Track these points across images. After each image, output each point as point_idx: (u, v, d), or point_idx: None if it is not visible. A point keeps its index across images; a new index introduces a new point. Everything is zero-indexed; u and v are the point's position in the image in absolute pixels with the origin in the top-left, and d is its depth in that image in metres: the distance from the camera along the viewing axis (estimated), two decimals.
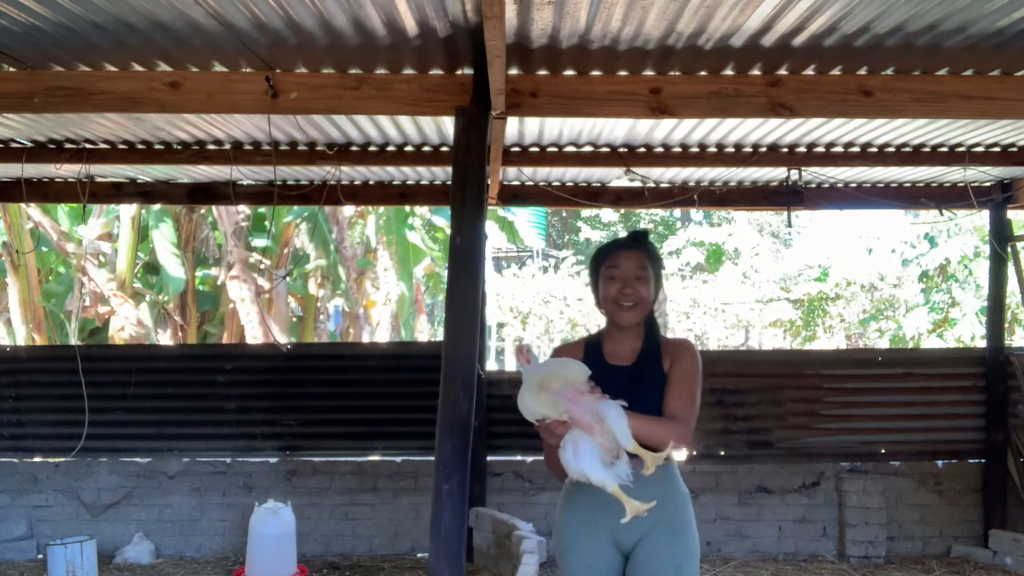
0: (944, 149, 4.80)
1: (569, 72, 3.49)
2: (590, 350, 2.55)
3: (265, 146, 4.71)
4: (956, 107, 3.54)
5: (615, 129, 4.41)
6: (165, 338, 10.27)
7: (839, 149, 4.83)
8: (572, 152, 4.89)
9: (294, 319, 11.79)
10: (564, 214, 22.68)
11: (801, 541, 6.03)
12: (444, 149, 4.79)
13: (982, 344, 7.80)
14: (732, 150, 4.86)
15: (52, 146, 4.78)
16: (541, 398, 2.11)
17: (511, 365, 17.18)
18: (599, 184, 5.84)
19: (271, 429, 6.23)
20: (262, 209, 10.52)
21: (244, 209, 9.59)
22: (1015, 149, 4.81)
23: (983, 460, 6.13)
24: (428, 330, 13.78)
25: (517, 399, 2.17)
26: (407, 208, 11.33)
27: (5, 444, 6.25)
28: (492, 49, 2.72)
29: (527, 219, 12.67)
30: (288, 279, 10.90)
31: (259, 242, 10.72)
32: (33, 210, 9.12)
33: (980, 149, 4.81)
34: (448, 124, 4.13)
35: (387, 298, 12.22)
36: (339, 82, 3.50)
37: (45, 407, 6.28)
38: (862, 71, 3.48)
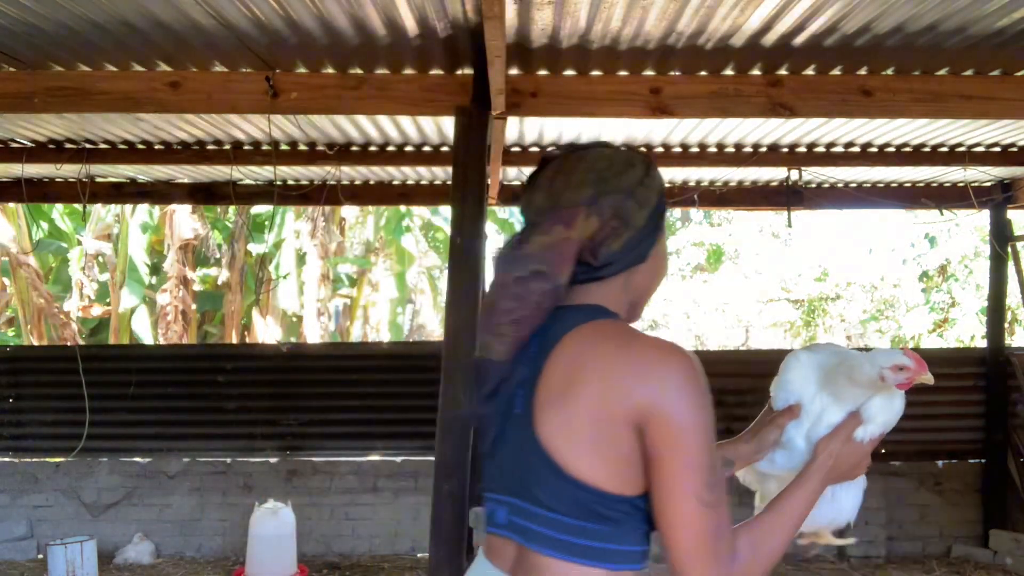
0: (944, 149, 4.79)
1: (569, 72, 3.49)
2: None
3: (265, 146, 4.71)
4: (956, 107, 3.54)
5: (615, 129, 4.41)
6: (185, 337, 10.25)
7: (839, 149, 4.83)
8: None
9: (294, 319, 11.78)
10: None
11: None
12: (444, 149, 4.79)
13: (982, 344, 7.80)
14: (732, 150, 4.86)
15: (52, 146, 4.78)
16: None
17: None
18: None
19: (271, 429, 6.23)
20: (256, 209, 10.52)
21: (196, 227, 9.55)
22: (1015, 149, 4.81)
23: (983, 460, 6.12)
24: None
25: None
26: (403, 209, 11.32)
27: (5, 444, 6.24)
28: (492, 49, 2.72)
29: None
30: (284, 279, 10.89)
31: (258, 247, 10.71)
32: None
33: (980, 149, 4.81)
34: (448, 124, 4.13)
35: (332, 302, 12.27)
36: (339, 82, 3.50)
37: (45, 407, 6.28)
38: (862, 71, 3.48)
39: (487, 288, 1.15)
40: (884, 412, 1.24)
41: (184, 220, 9.50)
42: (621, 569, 1.07)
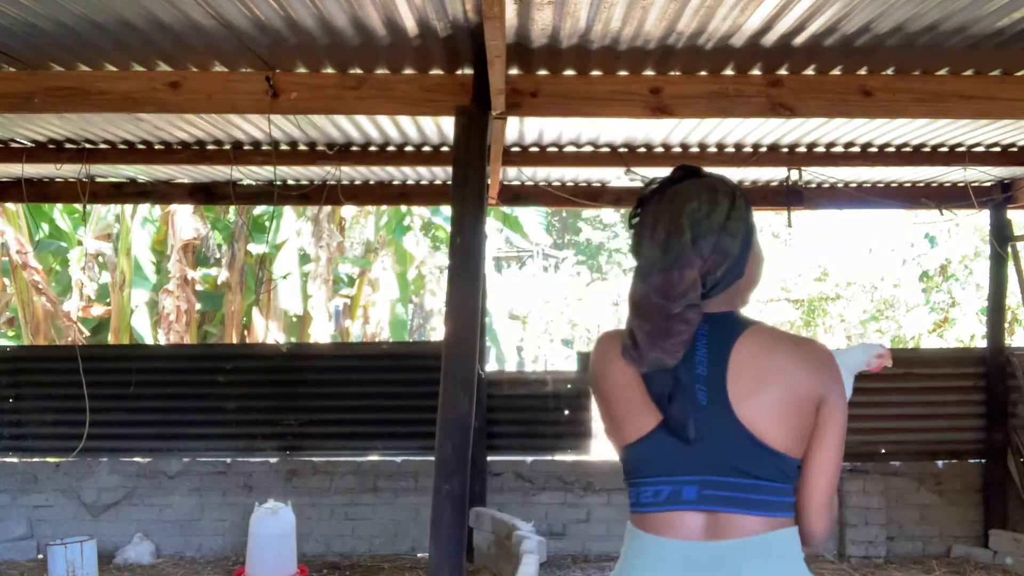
0: (944, 149, 4.79)
1: (569, 72, 3.49)
2: None
3: (265, 146, 4.71)
4: (956, 107, 3.54)
5: (615, 129, 4.41)
6: (187, 337, 10.23)
7: (839, 149, 4.83)
8: (572, 152, 4.89)
9: (294, 319, 11.77)
10: (564, 214, 22.70)
11: None
12: (444, 149, 4.79)
13: (982, 344, 7.80)
14: (732, 150, 4.86)
15: (52, 146, 4.78)
16: None
17: (511, 365, 17.20)
18: (599, 184, 5.84)
19: (271, 429, 6.23)
20: (258, 210, 10.51)
21: (199, 227, 9.53)
22: (1015, 149, 4.81)
23: (983, 460, 6.12)
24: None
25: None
26: (403, 209, 11.31)
27: (5, 444, 6.24)
28: (492, 49, 2.72)
29: (532, 219, 12.64)
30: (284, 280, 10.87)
31: (258, 247, 10.69)
32: None
33: (980, 149, 4.81)
34: (448, 124, 4.13)
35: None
36: (339, 82, 3.50)
37: (45, 407, 6.28)
38: (862, 71, 3.48)
39: (639, 318, 1.42)
40: (850, 384, 1.75)
41: (185, 220, 9.49)
42: (791, 516, 1.40)
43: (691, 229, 1.42)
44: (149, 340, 10.14)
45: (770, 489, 1.38)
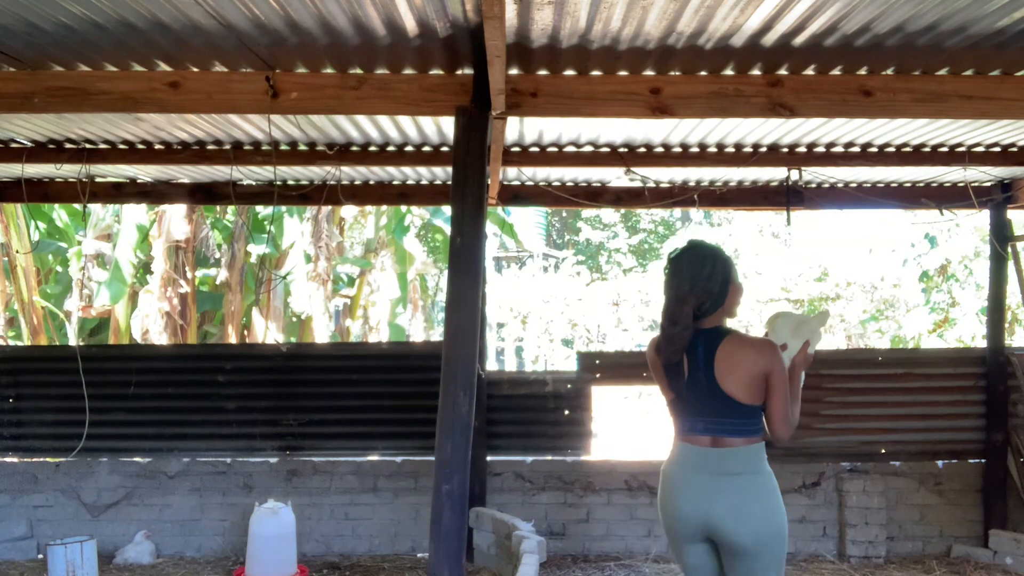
0: (944, 149, 4.79)
1: (569, 72, 3.49)
2: None
3: (265, 146, 4.72)
4: (956, 107, 3.55)
5: (615, 129, 4.41)
6: (165, 338, 10.23)
7: (839, 149, 4.83)
8: (572, 152, 4.89)
9: (294, 319, 11.77)
10: (564, 214, 22.70)
11: (801, 541, 6.03)
12: (444, 149, 4.79)
13: (982, 344, 7.80)
14: (732, 150, 4.86)
15: (52, 146, 4.78)
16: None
17: (511, 365, 17.20)
18: (599, 184, 5.84)
19: (271, 429, 6.22)
20: (263, 212, 10.51)
21: (192, 228, 9.50)
22: (1015, 149, 4.81)
23: (983, 460, 6.12)
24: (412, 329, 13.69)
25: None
26: (403, 209, 11.31)
27: (5, 444, 6.24)
28: (492, 49, 2.72)
29: (531, 220, 12.62)
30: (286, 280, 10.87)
31: (258, 248, 10.68)
32: None
33: (980, 149, 4.81)
34: (448, 124, 4.13)
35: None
36: (339, 82, 3.50)
37: (45, 407, 6.27)
38: (862, 71, 3.48)
39: (660, 332, 2.76)
40: (817, 343, 2.76)
41: (177, 222, 9.45)
42: (760, 435, 2.67)
43: (690, 281, 2.67)
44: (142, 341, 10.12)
45: (742, 423, 2.64)
